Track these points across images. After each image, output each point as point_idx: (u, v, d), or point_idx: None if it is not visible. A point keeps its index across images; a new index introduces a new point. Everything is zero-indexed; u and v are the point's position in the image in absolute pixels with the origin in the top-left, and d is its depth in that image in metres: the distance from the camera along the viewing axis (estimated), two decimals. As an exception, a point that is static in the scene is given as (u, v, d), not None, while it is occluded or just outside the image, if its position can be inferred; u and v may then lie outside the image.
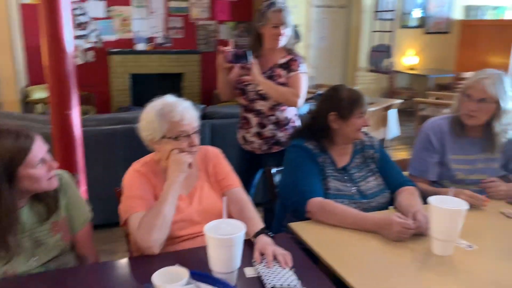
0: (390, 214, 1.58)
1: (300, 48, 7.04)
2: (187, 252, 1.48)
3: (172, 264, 1.19)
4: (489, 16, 8.23)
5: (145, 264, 1.39)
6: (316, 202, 1.68)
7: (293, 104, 2.33)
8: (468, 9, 8.05)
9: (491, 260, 1.43)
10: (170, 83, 6.61)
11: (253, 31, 2.42)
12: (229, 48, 2.24)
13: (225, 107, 3.69)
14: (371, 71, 7.36)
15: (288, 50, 2.37)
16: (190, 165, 1.57)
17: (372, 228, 1.58)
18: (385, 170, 1.92)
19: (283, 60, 2.35)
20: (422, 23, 7.79)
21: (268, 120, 2.41)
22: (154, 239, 1.43)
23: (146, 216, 1.47)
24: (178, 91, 6.44)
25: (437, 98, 6.00)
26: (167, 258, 1.40)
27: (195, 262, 1.38)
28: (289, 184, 1.83)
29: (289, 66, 2.33)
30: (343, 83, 8.30)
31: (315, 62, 7.46)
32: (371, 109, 5.06)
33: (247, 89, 2.39)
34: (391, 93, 7.47)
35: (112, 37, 6.48)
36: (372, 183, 1.86)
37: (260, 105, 2.38)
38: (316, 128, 1.87)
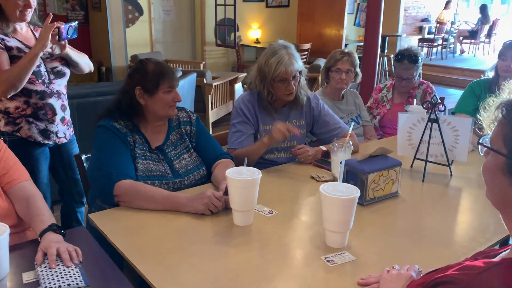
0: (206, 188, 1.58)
1: (142, 22, 6.76)
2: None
3: None
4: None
5: None
6: (124, 185, 1.57)
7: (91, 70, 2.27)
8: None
9: (287, 223, 1.50)
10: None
11: None
12: (61, 23, 1.93)
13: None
14: (219, 45, 7.39)
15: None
16: None
17: (184, 202, 1.53)
18: (202, 144, 1.90)
19: (30, 32, 2.11)
20: (264, -4, 8.06)
21: (66, 100, 2.19)
22: None
23: None
24: None
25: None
26: None
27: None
28: (96, 167, 1.69)
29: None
30: (192, 58, 8.09)
31: (162, 37, 7.22)
32: (215, 83, 5.08)
33: (41, 71, 2.02)
34: (240, 66, 7.63)
35: None
36: (186, 160, 1.83)
37: (58, 85, 2.12)
38: (125, 105, 1.75)
